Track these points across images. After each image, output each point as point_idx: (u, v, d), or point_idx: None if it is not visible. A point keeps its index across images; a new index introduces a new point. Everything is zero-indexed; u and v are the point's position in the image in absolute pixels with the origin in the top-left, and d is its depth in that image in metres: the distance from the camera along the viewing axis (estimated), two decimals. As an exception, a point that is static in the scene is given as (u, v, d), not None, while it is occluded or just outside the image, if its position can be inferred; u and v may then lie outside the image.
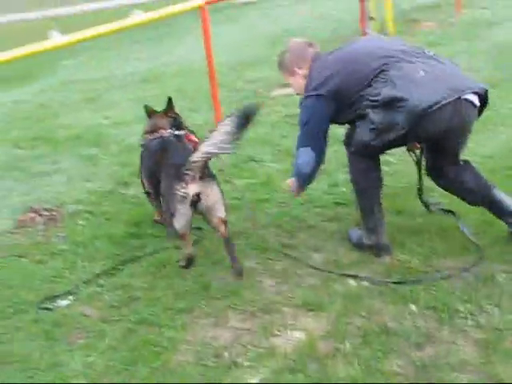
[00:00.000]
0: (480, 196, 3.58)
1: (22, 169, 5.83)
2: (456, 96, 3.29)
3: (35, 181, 5.53)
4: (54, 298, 3.62)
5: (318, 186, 4.59)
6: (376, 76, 3.42)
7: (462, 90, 3.33)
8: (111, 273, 3.84)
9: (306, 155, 3.60)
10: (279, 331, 3.13)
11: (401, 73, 3.35)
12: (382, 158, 4.84)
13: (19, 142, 6.68)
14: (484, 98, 3.46)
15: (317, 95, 3.54)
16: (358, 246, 3.74)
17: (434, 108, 3.26)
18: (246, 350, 3.02)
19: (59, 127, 7.13)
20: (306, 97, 3.61)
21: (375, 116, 3.37)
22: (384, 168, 4.65)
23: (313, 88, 3.57)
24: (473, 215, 3.83)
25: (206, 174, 3.56)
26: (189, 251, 3.72)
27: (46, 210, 4.79)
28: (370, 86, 3.42)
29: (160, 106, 4.25)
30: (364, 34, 8.71)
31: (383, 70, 3.41)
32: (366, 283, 3.40)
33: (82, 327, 3.34)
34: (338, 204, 4.30)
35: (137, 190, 4.76)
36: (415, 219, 3.96)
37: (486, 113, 3.54)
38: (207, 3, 5.79)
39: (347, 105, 3.51)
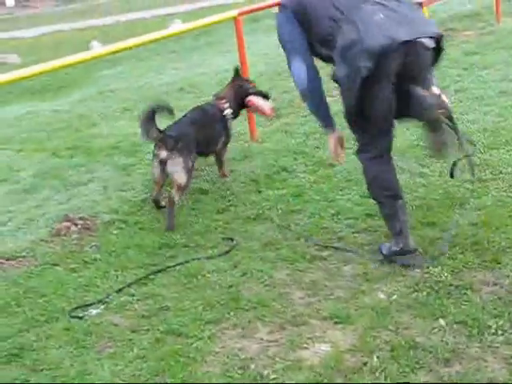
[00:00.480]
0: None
1: (59, 178, 5.90)
2: (412, 37, 3.35)
3: (71, 190, 5.60)
4: (85, 306, 3.67)
5: (349, 197, 4.59)
6: (340, 15, 3.49)
7: (420, 32, 3.41)
8: (142, 282, 3.87)
9: (296, 69, 3.76)
10: (307, 344, 3.12)
11: (361, 15, 3.41)
12: (418, 169, 4.84)
13: (57, 151, 6.75)
14: (439, 43, 3.51)
15: (284, 11, 3.71)
16: (389, 257, 3.71)
17: (393, 46, 3.30)
18: (272, 362, 3.02)
19: (97, 137, 7.20)
20: (277, 14, 3.78)
21: (340, 70, 3.46)
22: (418, 179, 4.66)
23: (282, 4, 3.76)
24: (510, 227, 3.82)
25: (176, 148, 4.57)
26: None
27: (80, 219, 4.85)
28: (335, 22, 3.49)
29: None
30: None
31: (344, 11, 3.48)
32: (395, 296, 3.38)
33: (111, 336, 3.37)
34: (369, 215, 4.26)
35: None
36: (448, 232, 3.92)
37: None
38: (240, 15, 5.84)
39: (316, 35, 3.60)
